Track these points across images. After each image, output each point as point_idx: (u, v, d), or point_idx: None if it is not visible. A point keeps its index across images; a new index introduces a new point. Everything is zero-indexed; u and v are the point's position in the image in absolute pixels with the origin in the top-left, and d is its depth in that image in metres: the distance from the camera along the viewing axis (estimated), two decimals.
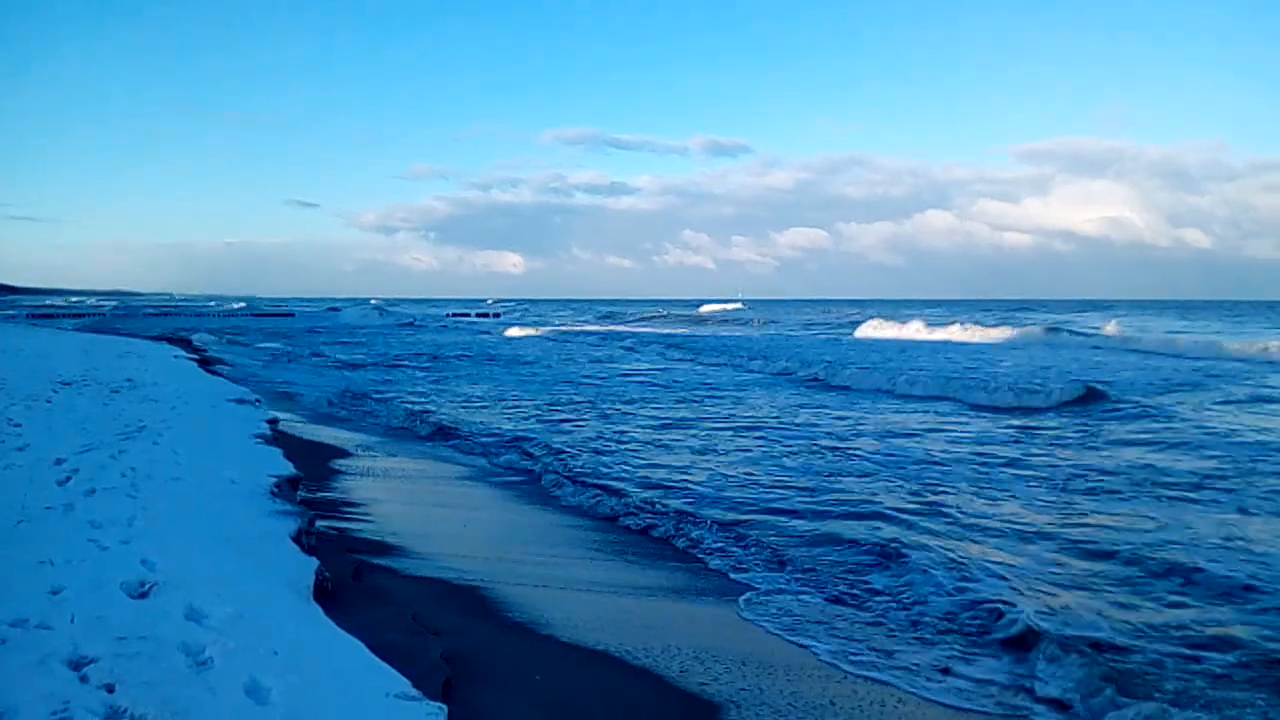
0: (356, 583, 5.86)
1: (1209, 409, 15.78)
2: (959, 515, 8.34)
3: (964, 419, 15.28)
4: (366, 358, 31.57)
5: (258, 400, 14.65)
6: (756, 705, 4.55)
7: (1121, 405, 15.81)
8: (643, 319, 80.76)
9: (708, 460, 11.37)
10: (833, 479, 10.06)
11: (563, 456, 11.41)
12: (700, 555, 7.31)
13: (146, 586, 4.61)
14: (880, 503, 8.83)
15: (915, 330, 45.69)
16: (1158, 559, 6.84)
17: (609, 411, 16.27)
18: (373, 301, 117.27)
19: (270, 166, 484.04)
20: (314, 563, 5.41)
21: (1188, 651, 5.14)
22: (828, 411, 16.32)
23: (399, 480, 10.36)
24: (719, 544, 7.54)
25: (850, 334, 49.52)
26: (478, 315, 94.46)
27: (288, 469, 8.25)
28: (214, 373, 20.95)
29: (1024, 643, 5.23)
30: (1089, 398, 16.59)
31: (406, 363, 29.30)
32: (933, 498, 9.11)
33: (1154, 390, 18.69)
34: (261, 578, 5.09)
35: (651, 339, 42.93)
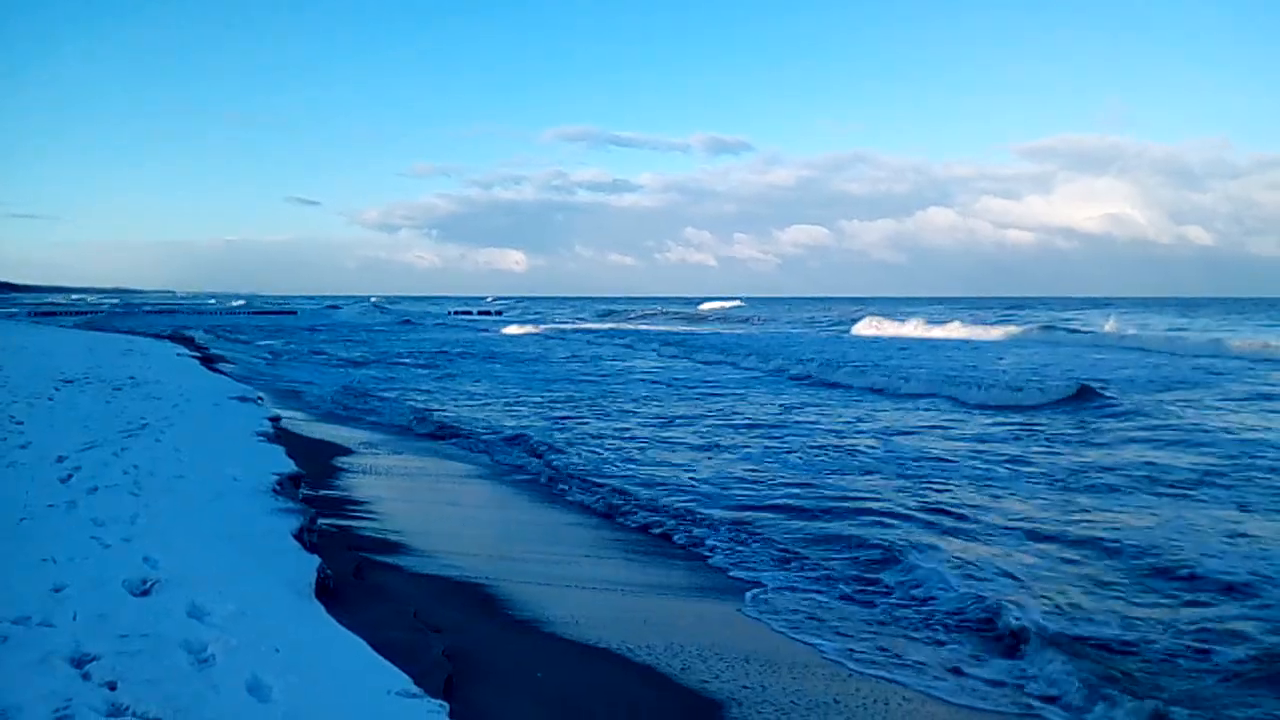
0: (358, 580, 5.86)
1: (1209, 406, 15.77)
2: (961, 513, 8.33)
3: (961, 416, 15.26)
4: (368, 355, 31.59)
5: (260, 398, 14.68)
6: (759, 703, 4.53)
7: (1117, 402, 15.78)
8: (643, 316, 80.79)
9: (709, 457, 11.37)
10: (833, 476, 10.06)
11: (564, 454, 11.40)
12: (702, 552, 7.29)
13: (148, 584, 4.61)
14: (882, 500, 8.82)
15: (914, 328, 45.67)
16: (1160, 556, 6.84)
17: (610, 409, 16.26)
18: (372, 299, 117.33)
19: (271, 165, 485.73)
20: (316, 560, 5.41)
21: (1193, 648, 5.13)
22: (826, 409, 16.32)
23: (401, 478, 10.36)
24: (721, 541, 7.52)
25: (848, 331, 49.54)
26: (479, 313, 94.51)
27: (290, 467, 8.25)
28: (216, 370, 20.97)
29: (1030, 641, 5.21)
30: (1084, 395, 16.55)
31: (407, 360, 29.29)
32: (934, 495, 9.10)
33: (1153, 388, 18.67)
34: (263, 575, 5.09)
35: (651, 337, 42.93)
